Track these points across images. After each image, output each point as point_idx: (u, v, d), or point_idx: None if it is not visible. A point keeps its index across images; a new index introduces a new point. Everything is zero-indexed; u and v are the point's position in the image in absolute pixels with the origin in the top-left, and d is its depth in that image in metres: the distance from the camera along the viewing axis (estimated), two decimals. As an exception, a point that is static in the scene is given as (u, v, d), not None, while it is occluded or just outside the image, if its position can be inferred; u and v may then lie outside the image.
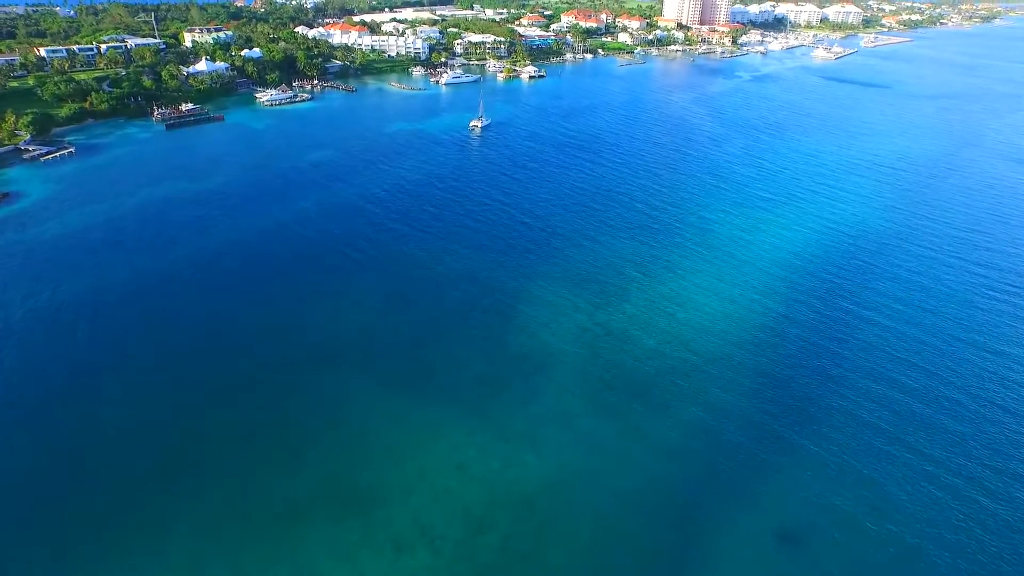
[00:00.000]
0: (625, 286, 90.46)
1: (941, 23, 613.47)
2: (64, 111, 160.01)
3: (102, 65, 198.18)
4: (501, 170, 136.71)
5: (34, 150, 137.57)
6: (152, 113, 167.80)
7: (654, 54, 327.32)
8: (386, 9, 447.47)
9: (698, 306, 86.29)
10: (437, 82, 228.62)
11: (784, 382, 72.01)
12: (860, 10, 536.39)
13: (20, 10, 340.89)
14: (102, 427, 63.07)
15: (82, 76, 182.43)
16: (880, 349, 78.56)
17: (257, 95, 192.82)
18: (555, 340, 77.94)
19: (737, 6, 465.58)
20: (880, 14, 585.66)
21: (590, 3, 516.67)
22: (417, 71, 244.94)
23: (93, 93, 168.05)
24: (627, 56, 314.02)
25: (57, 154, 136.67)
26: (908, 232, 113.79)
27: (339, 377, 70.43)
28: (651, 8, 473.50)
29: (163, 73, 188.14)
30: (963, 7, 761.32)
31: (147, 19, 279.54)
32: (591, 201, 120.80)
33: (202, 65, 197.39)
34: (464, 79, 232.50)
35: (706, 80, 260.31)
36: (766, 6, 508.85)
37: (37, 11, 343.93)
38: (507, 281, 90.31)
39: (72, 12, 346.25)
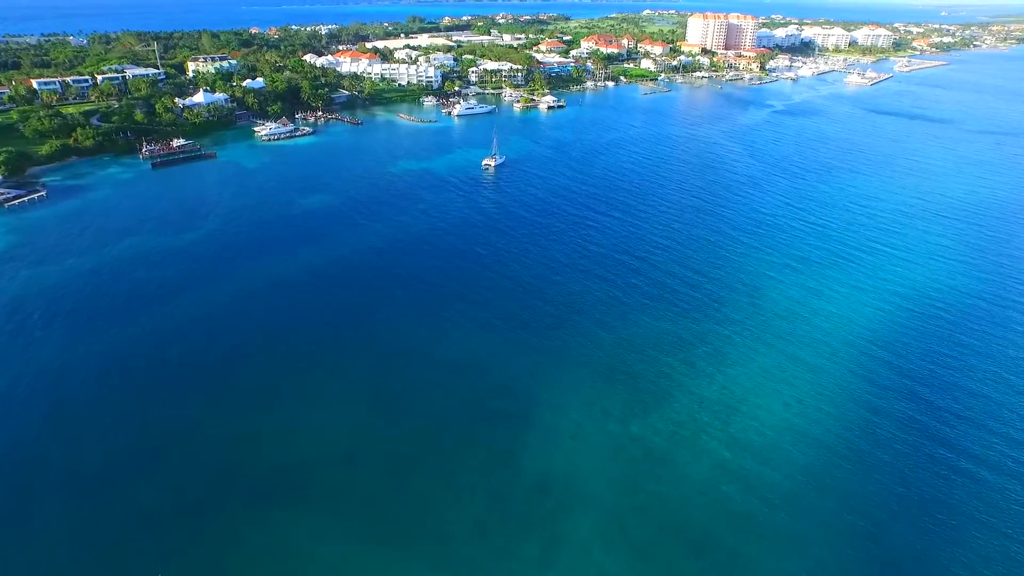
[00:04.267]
0: (665, 381, 73.06)
1: (975, 45, 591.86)
2: (45, 148, 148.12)
3: (93, 98, 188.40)
4: (515, 223, 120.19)
5: (2, 194, 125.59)
6: (140, 149, 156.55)
7: (679, 81, 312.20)
8: (401, 35, 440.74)
9: (757, 410, 68.70)
10: (449, 113, 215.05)
11: (878, 533, 53.86)
12: (890, 32, 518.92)
13: (32, 40, 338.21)
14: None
15: (70, 110, 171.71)
16: (994, 503, 59.59)
17: (256, 129, 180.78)
18: (580, 464, 60.90)
19: (763, 30, 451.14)
20: (909, 36, 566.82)
21: (611, 28, 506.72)
22: (429, 101, 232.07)
23: (79, 128, 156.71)
24: (651, 83, 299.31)
25: (26, 198, 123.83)
26: (997, 300, 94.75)
27: (301, 522, 53.64)
28: (673, 32, 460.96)
29: (157, 106, 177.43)
30: (994, 28, 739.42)
31: (152, 48, 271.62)
32: (618, 263, 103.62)
33: (199, 97, 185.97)
34: (478, 110, 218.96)
35: (736, 111, 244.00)
36: (791, 30, 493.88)
37: (49, 41, 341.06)
38: (520, 374, 73.60)
39: (84, 41, 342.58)
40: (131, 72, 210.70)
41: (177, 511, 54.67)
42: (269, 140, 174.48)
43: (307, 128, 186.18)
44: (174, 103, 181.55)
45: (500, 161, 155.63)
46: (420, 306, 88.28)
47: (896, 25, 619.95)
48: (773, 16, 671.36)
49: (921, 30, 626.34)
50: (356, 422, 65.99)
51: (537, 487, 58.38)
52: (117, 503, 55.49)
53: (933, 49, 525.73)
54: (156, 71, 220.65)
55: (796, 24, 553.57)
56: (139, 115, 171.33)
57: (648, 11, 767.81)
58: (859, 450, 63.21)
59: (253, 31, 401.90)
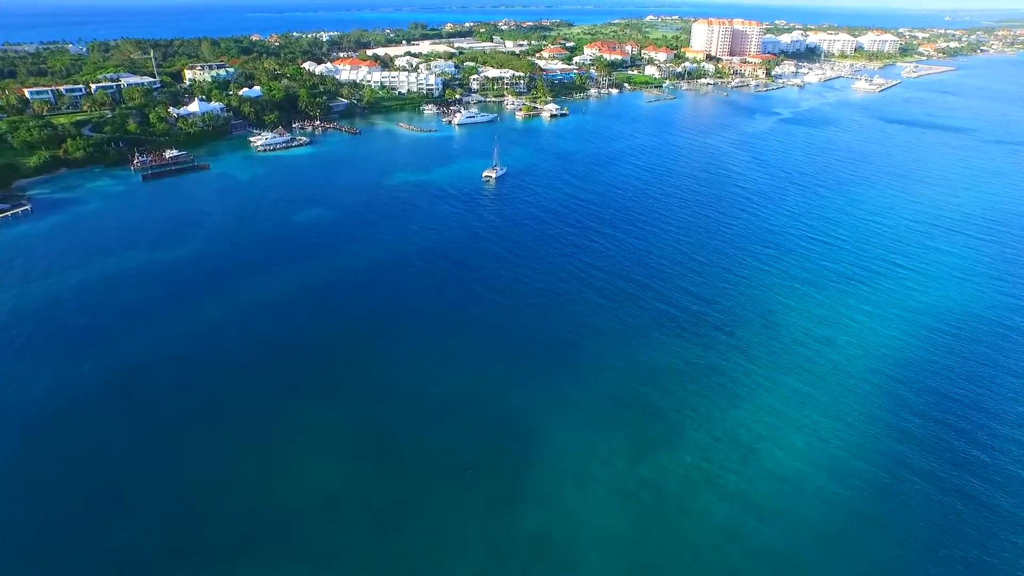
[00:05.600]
0: (674, 417, 67.82)
1: (982, 50, 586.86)
2: (33, 160, 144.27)
3: (86, 107, 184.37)
4: (514, 242, 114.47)
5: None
6: (132, 161, 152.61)
7: (684, 88, 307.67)
8: (403, 42, 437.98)
9: (775, 451, 63.32)
10: (450, 122, 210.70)
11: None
12: (896, 38, 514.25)
13: (31, 48, 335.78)
14: None
15: (62, 120, 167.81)
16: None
17: (251, 139, 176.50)
18: (586, 512, 55.76)
19: (768, 36, 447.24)
20: (915, 41, 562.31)
21: (614, 34, 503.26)
22: (429, 109, 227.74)
23: (69, 139, 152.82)
24: (655, 91, 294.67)
25: (9, 213, 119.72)
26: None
27: (276, 582, 49.64)
28: (677, 39, 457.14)
29: (151, 115, 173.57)
30: (1000, 33, 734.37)
31: (150, 55, 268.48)
32: (622, 288, 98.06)
33: (194, 106, 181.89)
34: (479, 118, 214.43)
35: (743, 119, 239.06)
36: (796, 35, 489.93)
37: (48, 49, 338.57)
38: (519, 410, 68.43)
39: (84, 49, 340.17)
40: (126, 81, 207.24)
41: (138, 566, 50.02)
42: (264, 151, 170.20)
43: (304, 138, 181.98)
44: (168, 112, 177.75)
45: (501, 173, 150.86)
46: (414, 333, 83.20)
47: (901, 30, 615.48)
48: (777, 22, 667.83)
49: (927, 35, 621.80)
50: (342, 463, 60.92)
51: (538, 539, 53.24)
52: (71, 557, 50.64)
53: (940, 54, 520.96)
54: (152, 79, 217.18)
55: (801, 30, 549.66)
56: (132, 125, 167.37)
57: (651, 17, 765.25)
58: (887, 503, 57.52)
59: (254, 38, 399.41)
